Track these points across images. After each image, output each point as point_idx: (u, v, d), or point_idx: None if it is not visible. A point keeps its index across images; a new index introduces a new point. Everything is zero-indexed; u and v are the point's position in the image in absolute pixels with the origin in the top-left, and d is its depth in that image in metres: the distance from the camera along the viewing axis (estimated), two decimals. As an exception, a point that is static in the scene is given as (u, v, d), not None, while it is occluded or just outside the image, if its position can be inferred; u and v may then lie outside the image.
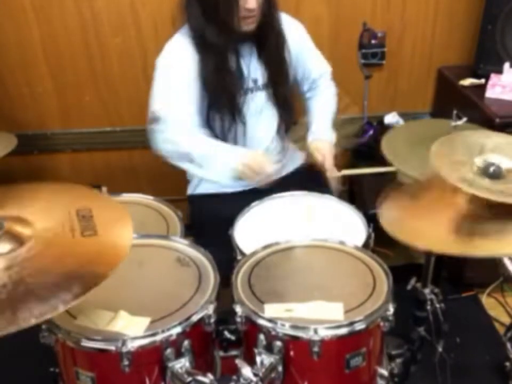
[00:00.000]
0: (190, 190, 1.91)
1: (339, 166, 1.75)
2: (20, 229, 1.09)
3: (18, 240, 1.06)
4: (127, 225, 1.15)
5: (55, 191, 1.30)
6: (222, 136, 1.74)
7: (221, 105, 1.68)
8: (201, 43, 1.62)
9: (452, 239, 1.18)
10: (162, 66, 1.65)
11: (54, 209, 1.18)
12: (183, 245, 1.44)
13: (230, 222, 1.57)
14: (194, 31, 1.63)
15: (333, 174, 1.70)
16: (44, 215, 1.15)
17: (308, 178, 1.88)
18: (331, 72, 1.93)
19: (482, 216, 1.21)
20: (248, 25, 1.59)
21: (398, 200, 1.39)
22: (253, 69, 1.71)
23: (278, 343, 1.18)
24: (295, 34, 1.77)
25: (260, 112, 1.76)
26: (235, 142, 1.75)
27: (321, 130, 1.82)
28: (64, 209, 1.17)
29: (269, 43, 1.66)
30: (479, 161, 1.25)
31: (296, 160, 1.94)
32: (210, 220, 1.74)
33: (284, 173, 1.89)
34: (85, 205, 1.19)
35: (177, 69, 1.64)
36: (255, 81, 1.72)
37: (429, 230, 1.23)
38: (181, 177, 1.97)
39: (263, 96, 1.75)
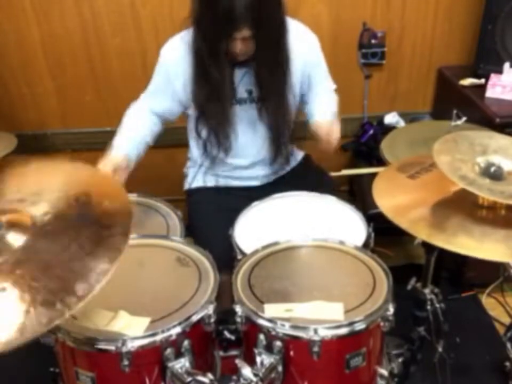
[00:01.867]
0: (186, 186, 1.93)
1: (339, 166, 1.75)
2: (20, 230, 1.08)
3: (20, 231, 1.05)
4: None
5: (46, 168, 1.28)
6: (208, 143, 1.74)
7: (209, 116, 1.67)
8: (198, 59, 1.60)
9: (436, 229, 1.18)
10: (159, 57, 1.70)
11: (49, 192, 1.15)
12: (183, 245, 1.44)
13: (227, 214, 1.58)
14: (193, 48, 1.60)
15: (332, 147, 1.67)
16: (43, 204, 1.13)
17: (307, 178, 1.88)
18: (335, 89, 1.88)
19: (471, 215, 1.22)
20: (241, 57, 1.57)
21: (395, 176, 1.40)
22: (249, 80, 1.66)
23: (278, 343, 1.18)
24: (308, 49, 1.72)
25: (252, 124, 1.73)
26: (224, 150, 1.74)
27: (323, 114, 1.73)
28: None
29: (267, 65, 1.60)
30: (481, 161, 1.25)
31: (296, 157, 1.94)
32: (207, 211, 1.75)
33: (283, 172, 1.89)
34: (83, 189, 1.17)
35: (162, 66, 1.69)
36: (250, 92, 1.68)
37: (416, 213, 1.24)
38: (181, 178, 1.97)
39: (257, 109, 1.70)
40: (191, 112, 1.73)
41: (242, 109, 1.70)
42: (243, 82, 1.67)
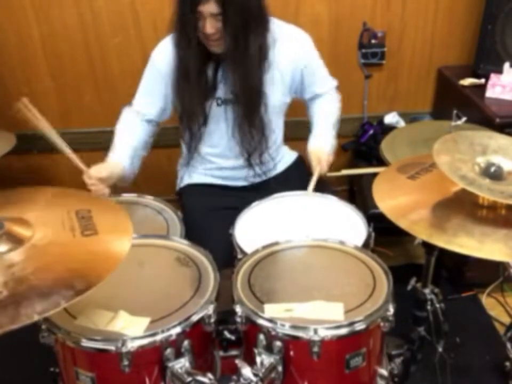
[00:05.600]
0: (177, 187, 1.94)
1: (339, 166, 1.75)
2: (20, 229, 1.09)
3: (19, 240, 1.07)
4: (126, 224, 1.15)
5: (55, 195, 1.30)
6: (189, 141, 1.76)
7: (187, 113, 1.69)
8: (178, 53, 1.63)
9: (436, 230, 1.18)
10: (149, 60, 1.74)
11: (54, 211, 1.19)
12: (183, 245, 1.44)
13: (220, 212, 1.61)
14: (173, 42, 1.64)
15: (317, 176, 1.73)
16: (44, 216, 1.15)
17: (299, 180, 1.88)
18: (336, 86, 1.91)
19: (472, 215, 1.22)
20: (214, 47, 1.58)
21: (395, 177, 1.40)
22: (229, 81, 1.65)
23: (278, 343, 1.18)
24: (300, 49, 1.72)
25: (231, 124, 1.72)
26: (197, 149, 1.78)
27: (322, 136, 1.82)
28: (64, 211, 1.18)
29: (242, 64, 1.60)
30: (481, 161, 1.25)
31: (288, 159, 1.94)
32: (201, 210, 1.75)
33: (277, 171, 1.90)
34: (84, 206, 1.20)
35: (152, 66, 1.73)
36: (231, 93, 1.67)
37: (416, 213, 1.24)
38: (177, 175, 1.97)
39: (236, 110, 1.69)
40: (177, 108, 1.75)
41: (223, 110, 1.71)
42: (224, 83, 1.67)
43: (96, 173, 1.52)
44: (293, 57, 1.71)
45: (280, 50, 1.67)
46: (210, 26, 1.51)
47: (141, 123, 1.76)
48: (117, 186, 1.63)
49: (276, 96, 1.72)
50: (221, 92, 1.68)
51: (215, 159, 1.82)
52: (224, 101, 1.70)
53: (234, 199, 1.68)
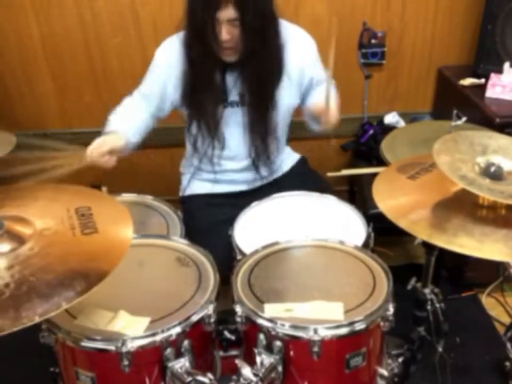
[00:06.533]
0: (180, 192, 1.93)
1: (339, 166, 1.74)
2: (20, 228, 1.09)
3: (19, 240, 1.07)
4: (126, 221, 1.16)
5: (54, 191, 1.30)
6: (198, 144, 1.75)
7: (199, 116, 1.69)
8: (189, 57, 1.61)
9: (436, 230, 1.18)
10: (154, 57, 1.71)
11: (54, 208, 1.18)
12: (183, 245, 1.44)
13: (222, 222, 1.59)
14: (185, 45, 1.62)
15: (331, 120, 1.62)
16: (43, 214, 1.15)
17: (307, 178, 1.88)
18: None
19: (472, 215, 1.22)
20: (228, 56, 1.57)
21: (395, 177, 1.39)
22: (241, 84, 1.65)
23: (278, 343, 1.18)
24: (307, 55, 1.72)
25: (241, 126, 1.72)
26: (211, 152, 1.76)
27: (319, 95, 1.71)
28: (63, 208, 1.18)
29: (258, 67, 1.60)
30: (481, 161, 1.25)
31: (291, 160, 1.93)
32: (203, 222, 1.74)
33: (280, 173, 1.89)
34: (83, 204, 1.19)
35: (155, 65, 1.70)
36: (241, 95, 1.67)
37: (416, 213, 1.24)
38: (181, 177, 1.97)
39: (246, 112, 1.69)
40: (184, 110, 1.73)
41: (233, 112, 1.70)
42: (235, 85, 1.66)
43: (97, 150, 1.50)
44: (301, 62, 1.70)
45: (289, 53, 1.66)
46: (227, 32, 1.49)
47: (141, 109, 1.72)
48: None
49: (284, 99, 1.70)
50: (231, 94, 1.67)
51: (223, 161, 1.80)
52: (234, 103, 1.69)
53: (238, 210, 1.65)
